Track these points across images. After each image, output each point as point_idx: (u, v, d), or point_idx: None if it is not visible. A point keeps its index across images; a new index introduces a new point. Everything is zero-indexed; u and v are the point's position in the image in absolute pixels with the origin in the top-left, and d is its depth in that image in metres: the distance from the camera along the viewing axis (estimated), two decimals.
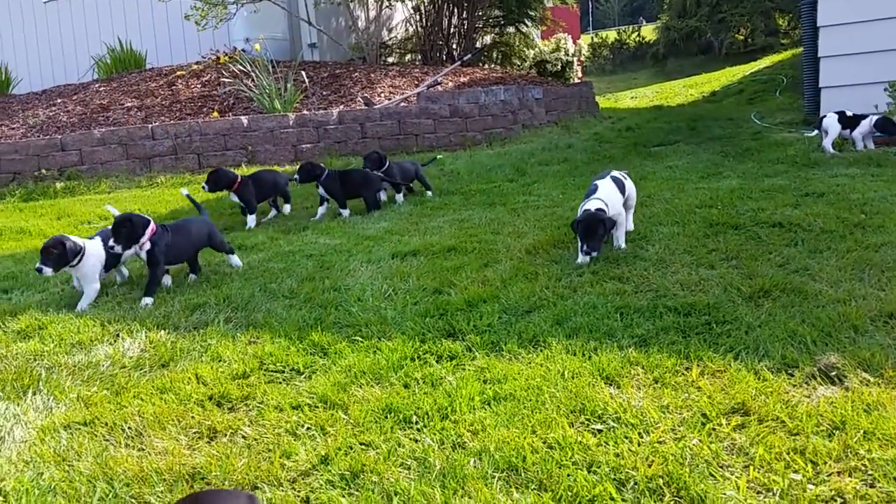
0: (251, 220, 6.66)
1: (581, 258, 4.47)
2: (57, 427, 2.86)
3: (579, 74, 19.21)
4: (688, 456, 2.32)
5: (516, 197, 7.07)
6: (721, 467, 2.29)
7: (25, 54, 14.45)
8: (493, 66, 16.13)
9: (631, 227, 5.07)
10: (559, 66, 17.25)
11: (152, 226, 4.58)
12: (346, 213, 6.79)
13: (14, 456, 2.69)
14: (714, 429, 2.51)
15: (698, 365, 2.96)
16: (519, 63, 16.86)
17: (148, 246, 4.54)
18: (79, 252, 4.43)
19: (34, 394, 3.19)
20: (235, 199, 6.65)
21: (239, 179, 6.58)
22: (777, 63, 18.08)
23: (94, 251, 4.55)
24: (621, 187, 4.79)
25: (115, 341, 3.75)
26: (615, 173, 4.83)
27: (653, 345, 3.17)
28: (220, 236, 5.17)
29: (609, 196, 4.56)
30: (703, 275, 4.08)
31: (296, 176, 6.74)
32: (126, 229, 4.46)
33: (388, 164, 7.17)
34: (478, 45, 15.92)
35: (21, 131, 10.72)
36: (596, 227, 4.29)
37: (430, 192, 7.54)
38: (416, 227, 6.10)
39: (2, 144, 9.77)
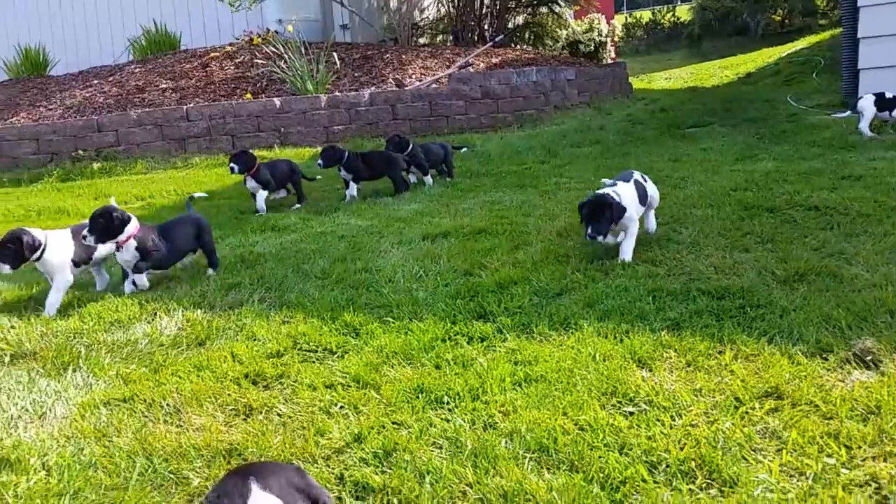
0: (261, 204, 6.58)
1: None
2: (97, 403, 2.93)
3: (612, 55, 18.97)
4: (720, 439, 2.32)
5: (547, 179, 7.04)
6: (754, 450, 2.28)
7: (62, 36, 14.64)
8: (525, 46, 15.99)
9: (652, 227, 4.69)
10: (592, 47, 17.05)
11: (135, 224, 4.24)
12: (352, 191, 6.81)
13: (55, 431, 2.76)
14: (747, 412, 2.50)
15: (732, 349, 2.94)
16: (551, 44, 16.69)
17: (134, 244, 4.20)
18: (38, 247, 4.11)
19: (74, 371, 3.27)
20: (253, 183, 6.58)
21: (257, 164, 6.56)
22: (814, 44, 17.67)
23: (59, 244, 4.24)
24: (642, 192, 4.39)
25: (152, 320, 3.83)
26: (637, 176, 4.47)
27: (686, 328, 3.15)
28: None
29: (626, 195, 4.20)
30: (737, 258, 4.04)
31: (319, 161, 6.73)
32: (103, 221, 4.14)
33: (411, 146, 7.15)
34: (510, 25, 15.79)
35: (59, 112, 10.90)
36: (602, 210, 4.03)
37: (448, 179, 7.44)
38: (446, 208, 6.11)
39: (40, 125, 9.95)
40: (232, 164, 6.47)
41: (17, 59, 13.87)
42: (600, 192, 4.18)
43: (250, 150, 6.93)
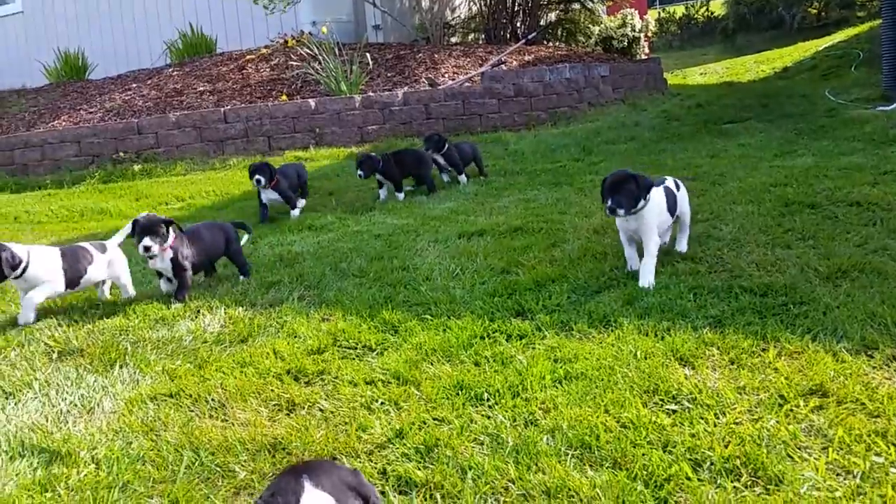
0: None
1: (630, 259, 3.96)
2: (144, 398, 3.00)
3: (646, 51, 18.78)
4: (765, 437, 2.29)
5: (582, 176, 7.01)
6: (799, 448, 2.26)
7: (101, 40, 14.90)
8: (557, 43, 15.91)
9: (684, 248, 4.23)
10: (625, 43, 16.90)
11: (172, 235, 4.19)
12: (401, 195, 6.83)
13: (104, 425, 2.83)
14: (792, 410, 2.47)
15: (775, 346, 2.91)
16: (584, 40, 16.58)
17: (170, 254, 4.15)
18: (18, 264, 3.91)
19: (121, 367, 3.34)
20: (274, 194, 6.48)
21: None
22: (853, 37, 17.31)
23: (44, 261, 4.02)
24: (671, 201, 4.02)
25: (196, 317, 3.89)
26: (670, 182, 4.12)
27: (728, 325, 3.12)
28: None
29: (654, 198, 3.85)
30: (779, 255, 3.99)
31: (359, 173, 6.64)
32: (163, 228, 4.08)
33: (447, 146, 7.16)
34: (542, 22, 15.73)
35: (99, 115, 11.11)
36: (625, 183, 3.72)
37: (482, 178, 7.41)
38: (481, 207, 6.12)
39: (81, 128, 10.16)
40: (258, 177, 6.29)
41: (58, 63, 14.15)
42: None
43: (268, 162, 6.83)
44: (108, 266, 4.34)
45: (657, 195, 3.89)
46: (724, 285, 3.59)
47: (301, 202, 6.80)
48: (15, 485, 2.44)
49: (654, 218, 3.84)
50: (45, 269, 4.03)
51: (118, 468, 2.47)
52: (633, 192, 3.71)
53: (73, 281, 4.14)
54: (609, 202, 3.73)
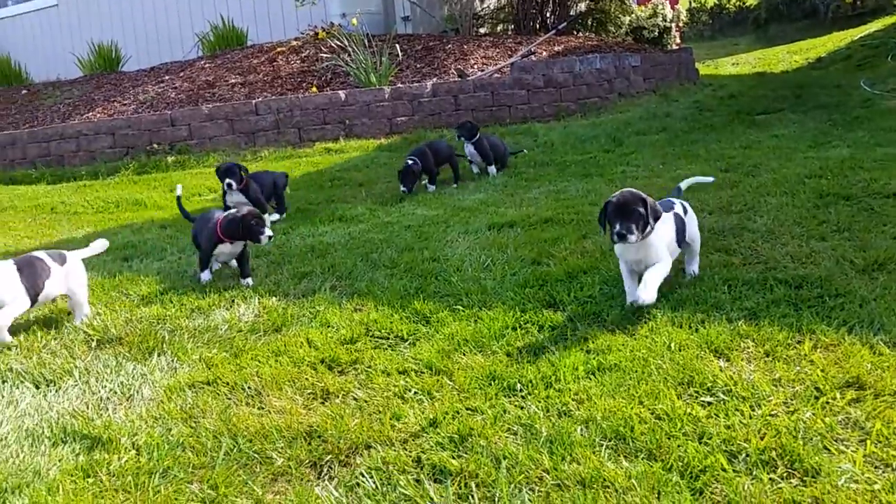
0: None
1: (630, 291, 3.42)
2: (182, 386, 3.05)
3: (677, 41, 18.56)
4: (801, 429, 2.28)
5: (613, 167, 6.97)
6: (836, 441, 2.24)
7: (133, 33, 15.08)
8: (587, 34, 15.78)
9: (696, 271, 3.74)
10: (656, 33, 16.71)
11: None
12: (432, 187, 6.84)
13: (143, 412, 2.89)
14: (828, 402, 2.45)
15: (811, 338, 2.88)
16: (614, 30, 16.43)
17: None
18: None
19: (159, 355, 3.40)
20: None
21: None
22: (889, 26, 16.95)
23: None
24: (680, 228, 3.60)
25: (231, 307, 3.95)
26: (678, 208, 3.66)
27: (763, 318, 3.10)
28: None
29: (660, 229, 3.41)
30: (814, 247, 3.94)
31: (403, 189, 6.52)
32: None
33: (479, 135, 7.16)
34: (572, 13, 15.61)
35: (133, 107, 11.26)
36: (634, 204, 3.23)
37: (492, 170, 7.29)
38: (511, 198, 6.12)
39: (116, 119, 10.32)
40: (229, 181, 5.68)
41: (91, 56, 14.35)
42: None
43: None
44: (66, 278, 3.87)
45: (666, 222, 3.48)
46: (758, 277, 3.56)
47: (273, 217, 6.12)
48: (58, 470, 2.50)
49: (664, 245, 3.41)
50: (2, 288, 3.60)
51: (158, 454, 2.53)
52: (643, 215, 3.22)
53: (32, 298, 3.73)
54: (617, 226, 3.21)
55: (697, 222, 3.86)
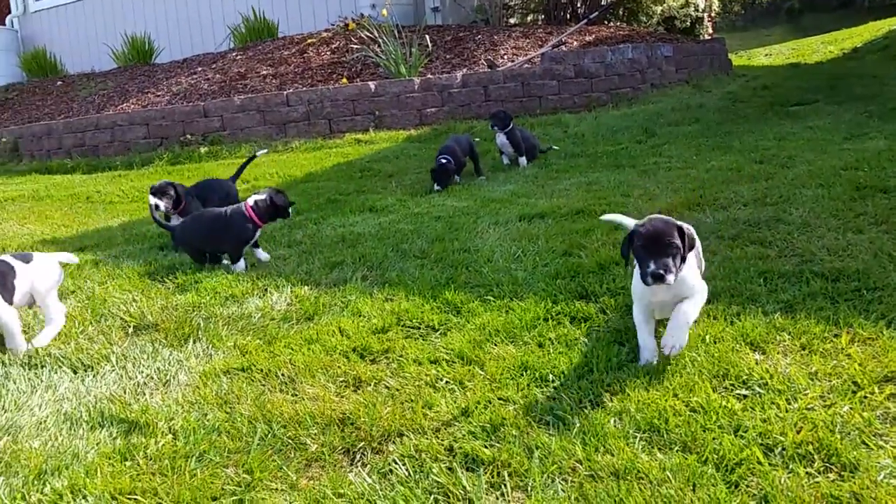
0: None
1: (646, 345, 2.82)
2: (217, 372, 3.09)
3: (710, 31, 18.33)
4: (838, 423, 2.25)
5: (646, 159, 6.91)
6: (874, 436, 2.20)
7: (166, 25, 15.26)
8: (618, 23, 15.64)
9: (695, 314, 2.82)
10: (688, 23, 16.53)
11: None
12: (457, 178, 6.78)
13: (180, 397, 2.93)
14: (866, 397, 2.41)
15: (848, 332, 2.84)
16: (645, 20, 16.26)
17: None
18: None
19: (194, 342, 3.45)
20: None
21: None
22: None
23: None
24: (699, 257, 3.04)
25: (263, 295, 3.99)
26: (691, 230, 2.92)
27: (800, 310, 3.06)
28: None
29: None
30: (850, 239, 3.88)
31: (438, 188, 6.45)
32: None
33: (511, 125, 7.13)
34: (603, 2, 15.47)
35: (166, 98, 11.40)
36: (669, 236, 2.66)
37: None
38: (542, 189, 6.09)
39: (149, 111, 10.45)
40: (156, 202, 5.09)
41: (125, 47, 14.54)
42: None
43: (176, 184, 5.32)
44: (32, 280, 3.68)
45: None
46: (794, 270, 3.51)
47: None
48: (96, 453, 2.55)
49: (696, 270, 2.88)
50: None
51: (195, 438, 2.56)
52: (680, 248, 2.67)
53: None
54: (651, 266, 2.62)
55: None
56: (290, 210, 4.58)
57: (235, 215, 4.47)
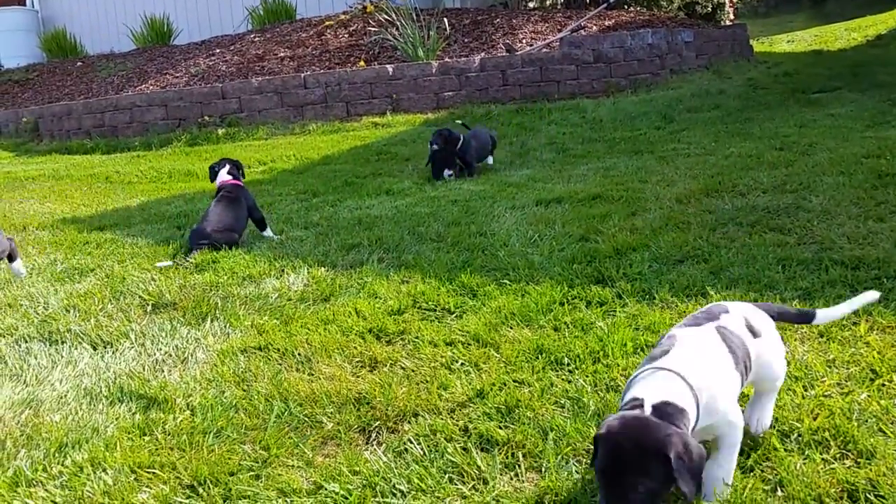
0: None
1: None
2: (234, 351, 3.12)
3: (731, 16, 18.11)
4: (855, 410, 2.24)
5: (664, 145, 6.86)
6: (892, 423, 2.19)
7: (185, 6, 15.27)
8: (638, 8, 15.48)
9: (764, 424, 2.17)
10: (709, 8, 16.33)
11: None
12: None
13: (198, 375, 2.96)
14: (884, 384, 2.39)
15: (867, 320, 2.82)
16: (666, 5, 16.08)
17: None
18: None
19: (212, 321, 3.48)
20: None
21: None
22: None
23: None
24: (735, 352, 2.01)
25: (280, 276, 4.01)
26: (732, 315, 2.12)
27: (818, 298, 3.04)
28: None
29: (695, 370, 1.87)
30: (871, 227, 3.84)
31: (449, 173, 6.31)
32: None
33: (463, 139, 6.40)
34: None
35: (184, 80, 11.43)
36: (630, 469, 1.70)
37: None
38: (559, 174, 6.08)
39: (168, 92, 10.49)
40: None
41: (144, 29, 14.58)
42: (640, 396, 1.81)
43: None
44: None
45: (702, 350, 1.97)
46: (813, 257, 3.48)
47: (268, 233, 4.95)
48: (116, 427, 2.59)
49: (724, 400, 1.92)
50: None
51: (212, 415, 2.59)
52: (657, 489, 1.71)
53: None
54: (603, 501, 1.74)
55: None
56: None
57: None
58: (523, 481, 2.11)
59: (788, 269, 3.38)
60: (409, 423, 2.46)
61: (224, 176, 4.89)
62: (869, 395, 2.32)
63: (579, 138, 7.66)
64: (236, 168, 5.03)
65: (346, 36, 11.89)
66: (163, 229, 5.23)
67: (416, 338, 3.11)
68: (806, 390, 2.39)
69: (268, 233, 4.86)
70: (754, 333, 2.10)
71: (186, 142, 9.42)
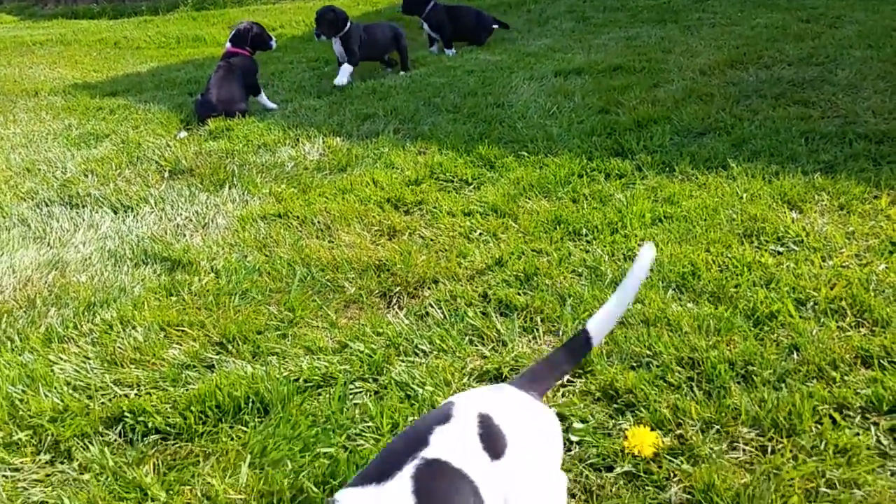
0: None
1: None
2: (254, 217, 3.14)
3: None
4: (873, 281, 2.26)
5: (689, 14, 6.60)
6: None
7: None
8: None
9: None
10: None
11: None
12: (451, 51, 6.17)
13: (220, 239, 3.00)
14: None
15: (889, 194, 2.80)
16: None
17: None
18: None
19: (230, 188, 3.49)
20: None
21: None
22: None
23: None
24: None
25: (296, 145, 3.98)
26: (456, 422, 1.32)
27: (840, 171, 3.01)
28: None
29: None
30: None
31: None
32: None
33: (349, 28, 5.35)
34: None
35: None
36: None
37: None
38: (579, 44, 5.89)
39: None
40: None
41: None
42: None
43: None
44: None
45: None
46: (837, 131, 3.42)
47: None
48: (142, 288, 2.65)
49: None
50: None
51: (237, 278, 2.64)
52: None
53: None
54: None
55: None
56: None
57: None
58: (541, 344, 2.17)
59: (812, 143, 3.33)
60: (429, 289, 2.51)
61: (227, 45, 4.76)
62: (887, 267, 2.34)
63: (601, 6, 7.37)
64: (239, 35, 4.82)
65: None
66: (174, 95, 5.16)
67: (434, 208, 3.12)
68: (824, 261, 2.41)
69: (262, 99, 4.79)
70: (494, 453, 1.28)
71: (193, 5, 9.12)
